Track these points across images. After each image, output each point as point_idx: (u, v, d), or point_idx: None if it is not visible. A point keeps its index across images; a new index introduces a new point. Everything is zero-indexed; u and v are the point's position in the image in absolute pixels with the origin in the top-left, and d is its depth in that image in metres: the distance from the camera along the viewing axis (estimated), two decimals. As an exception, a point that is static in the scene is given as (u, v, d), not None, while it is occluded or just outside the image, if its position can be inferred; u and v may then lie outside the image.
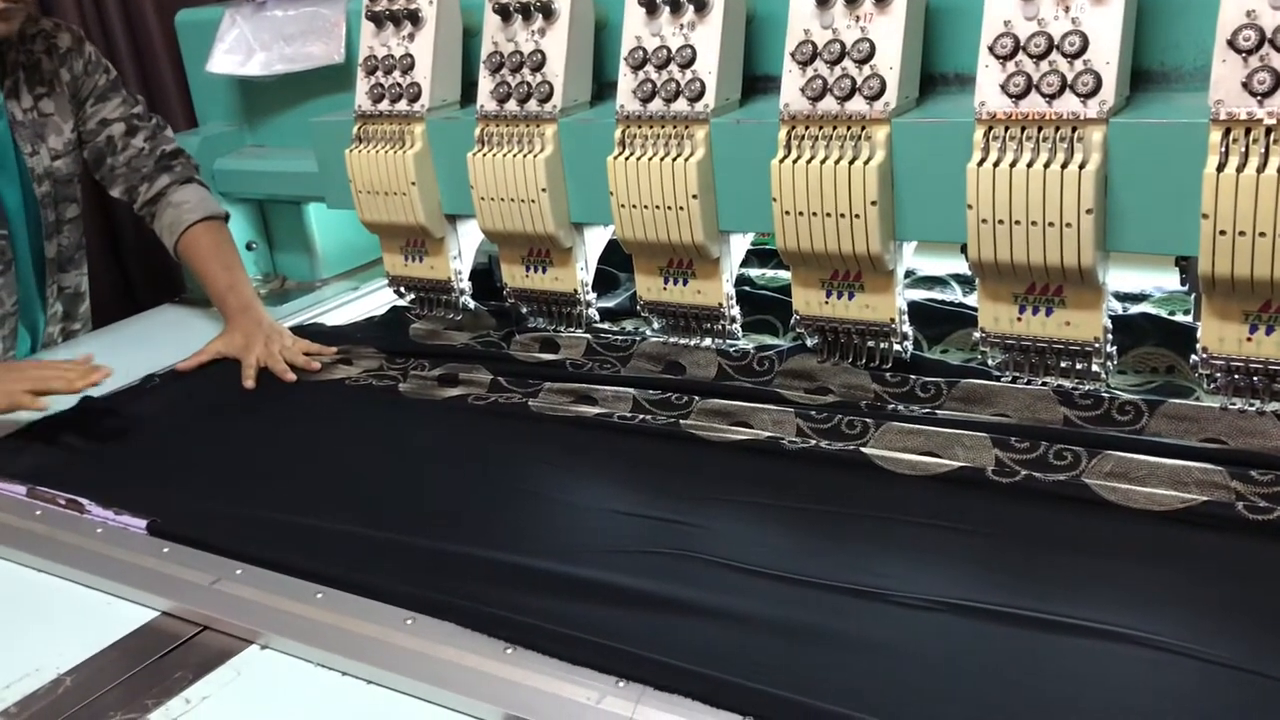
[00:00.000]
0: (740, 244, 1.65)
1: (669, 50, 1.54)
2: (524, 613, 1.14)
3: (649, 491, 1.40)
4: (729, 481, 1.39)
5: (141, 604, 1.28)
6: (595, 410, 1.60)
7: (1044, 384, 1.43)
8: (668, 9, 1.54)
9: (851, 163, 1.39)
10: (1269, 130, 1.17)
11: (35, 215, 2.01)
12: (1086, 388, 1.41)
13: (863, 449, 1.40)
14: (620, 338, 1.76)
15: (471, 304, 1.92)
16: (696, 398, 1.56)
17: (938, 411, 1.45)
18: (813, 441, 1.44)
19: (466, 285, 1.90)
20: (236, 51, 2.13)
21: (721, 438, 1.48)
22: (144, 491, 1.50)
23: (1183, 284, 1.40)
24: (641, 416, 1.56)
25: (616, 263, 1.89)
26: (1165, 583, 1.12)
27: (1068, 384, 1.42)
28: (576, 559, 1.24)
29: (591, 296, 1.79)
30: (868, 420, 1.44)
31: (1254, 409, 1.32)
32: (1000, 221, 1.32)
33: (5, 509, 1.51)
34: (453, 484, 1.46)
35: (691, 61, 1.52)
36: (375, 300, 2.20)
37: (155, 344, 2.05)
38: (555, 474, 1.47)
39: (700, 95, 1.52)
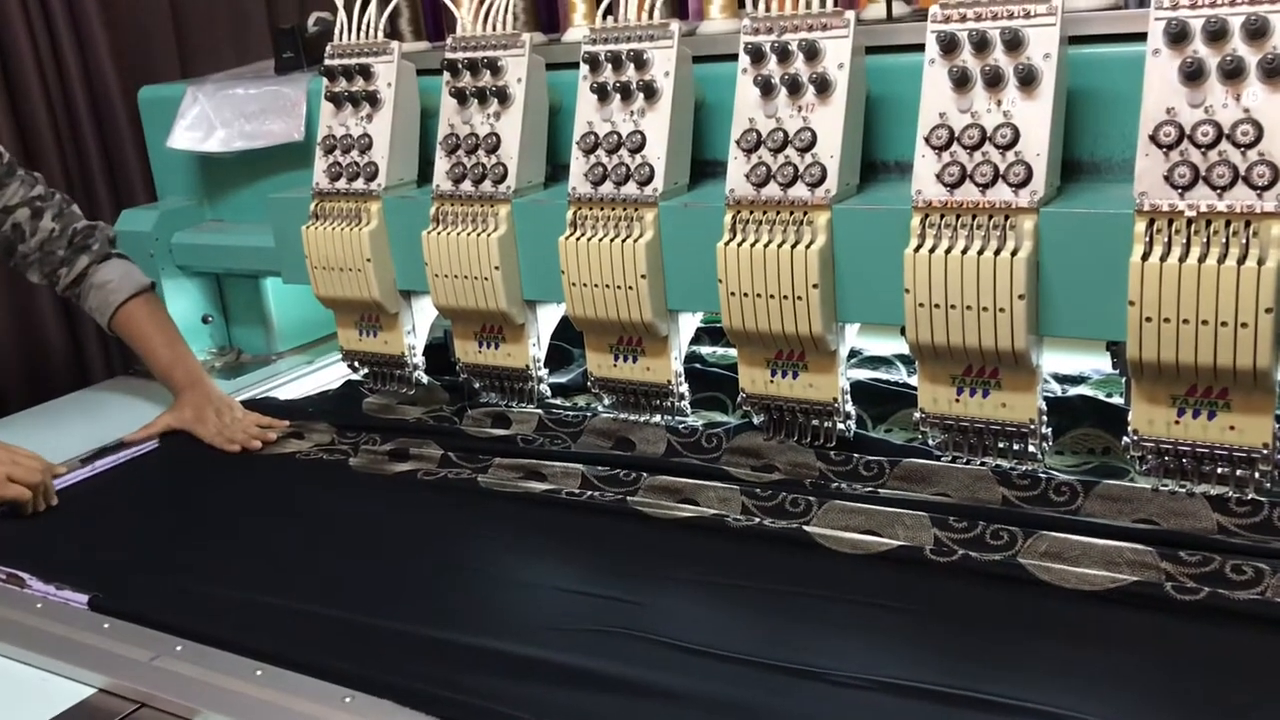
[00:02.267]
0: (689, 322, 1.68)
1: (620, 135, 1.58)
2: (463, 691, 1.14)
3: (594, 569, 1.41)
4: (673, 559, 1.40)
5: (79, 680, 1.26)
6: (544, 486, 1.61)
7: (983, 464, 1.46)
8: (619, 96, 1.58)
9: (794, 246, 1.43)
10: (1190, 221, 1.22)
11: None
12: (1025, 468, 1.44)
13: (805, 527, 1.42)
14: (571, 413, 1.78)
15: (425, 379, 1.93)
16: (644, 474, 1.58)
17: (880, 490, 1.48)
18: (757, 519, 1.46)
19: (420, 360, 1.92)
20: (198, 128, 2.16)
21: (668, 514, 1.50)
22: (86, 566, 1.50)
23: (1114, 367, 1.44)
24: (590, 493, 1.58)
25: (571, 338, 1.91)
26: (1095, 662, 1.14)
27: (1006, 464, 1.45)
28: (518, 637, 1.25)
29: (544, 372, 1.81)
30: (811, 499, 1.46)
31: (1184, 490, 1.35)
32: (937, 305, 1.36)
33: (-55, 583, 1.50)
34: (397, 561, 1.47)
35: (641, 146, 1.56)
36: (330, 374, 2.21)
37: (106, 418, 2.05)
38: (501, 551, 1.48)
39: (650, 179, 1.56)
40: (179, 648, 1.28)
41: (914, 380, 1.70)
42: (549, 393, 1.82)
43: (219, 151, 2.14)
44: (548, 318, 1.81)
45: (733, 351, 1.88)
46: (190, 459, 1.84)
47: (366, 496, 1.65)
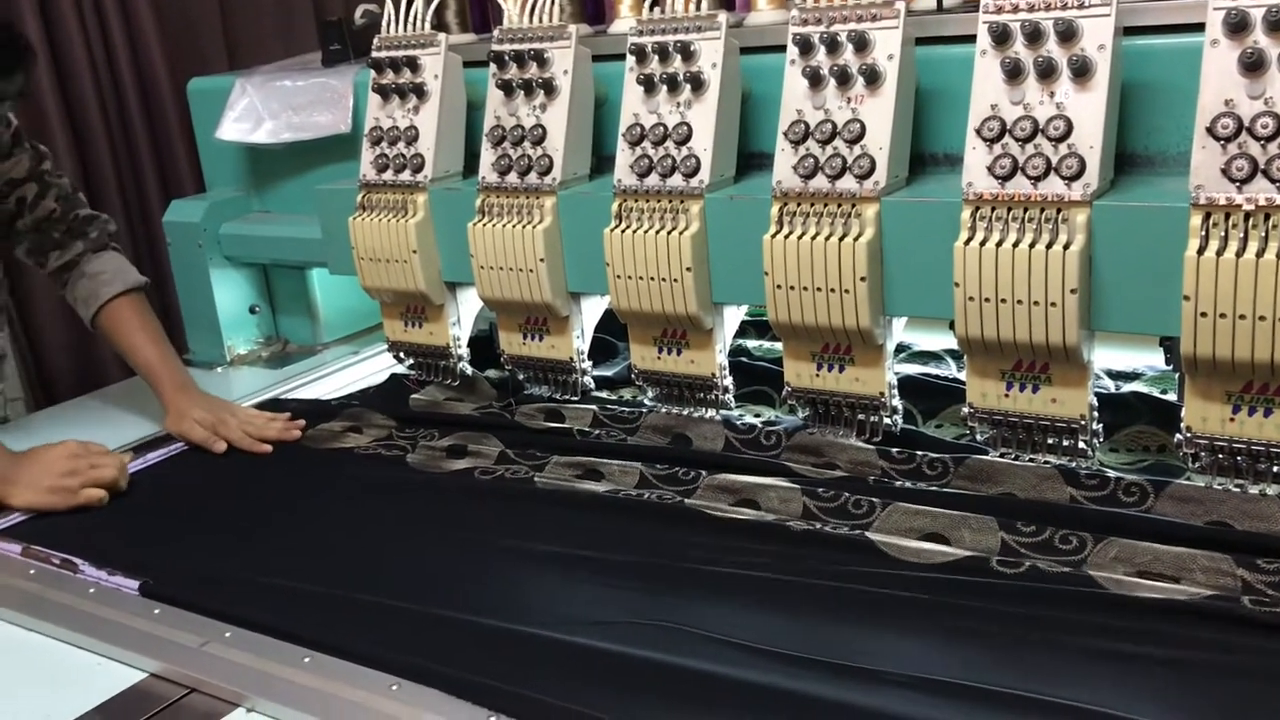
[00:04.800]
0: (734, 315, 1.67)
1: (666, 127, 1.57)
2: (511, 681, 1.14)
3: (647, 566, 1.39)
4: (730, 560, 1.38)
5: (130, 665, 1.28)
6: (601, 487, 1.60)
7: (1031, 459, 1.44)
8: (665, 88, 1.58)
9: (841, 239, 1.42)
10: (1248, 215, 1.20)
11: None
12: (1092, 467, 1.41)
13: (868, 533, 1.40)
14: (626, 409, 1.78)
15: (469, 370, 1.94)
16: (703, 472, 1.57)
17: (945, 489, 1.46)
18: (818, 525, 1.43)
19: (465, 351, 1.93)
20: (246, 119, 2.18)
21: (727, 516, 1.48)
22: (138, 553, 1.52)
23: (1168, 363, 1.42)
24: (648, 492, 1.57)
25: (614, 331, 1.91)
26: (1161, 675, 1.11)
27: (1055, 460, 1.43)
28: (567, 629, 1.25)
29: (587, 364, 1.81)
30: (874, 499, 1.44)
31: (1258, 491, 1.32)
32: (986, 299, 1.34)
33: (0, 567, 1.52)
34: (449, 553, 1.47)
35: (688, 138, 1.56)
36: (375, 364, 2.23)
37: (156, 407, 2.07)
38: (556, 547, 1.46)
39: (696, 171, 1.55)
40: (228, 634, 1.30)
41: (964, 375, 1.71)
42: (593, 385, 1.82)
43: (267, 143, 2.16)
44: (592, 310, 1.81)
45: (779, 345, 1.89)
46: (242, 450, 1.86)
47: (421, 492, 1.65)
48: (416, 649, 1.21)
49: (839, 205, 1.44)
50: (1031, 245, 1.30)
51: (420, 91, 1.81)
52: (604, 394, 1.88)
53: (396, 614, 1.30)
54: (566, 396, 1.83)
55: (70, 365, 2.68)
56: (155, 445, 1.87)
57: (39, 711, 1.21)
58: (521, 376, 1.87)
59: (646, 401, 1.76)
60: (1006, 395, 1.42)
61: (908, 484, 1.48)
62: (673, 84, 1.57)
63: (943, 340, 1.81)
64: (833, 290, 1.44)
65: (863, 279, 1.42)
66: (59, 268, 1.97)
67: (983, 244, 1.33)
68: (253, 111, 2.17)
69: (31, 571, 1.49)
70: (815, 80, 1.46)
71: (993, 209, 1.34)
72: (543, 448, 1.72)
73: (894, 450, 1.52)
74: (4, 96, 1.77)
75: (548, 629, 1.25)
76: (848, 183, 1.43)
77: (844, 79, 1.44)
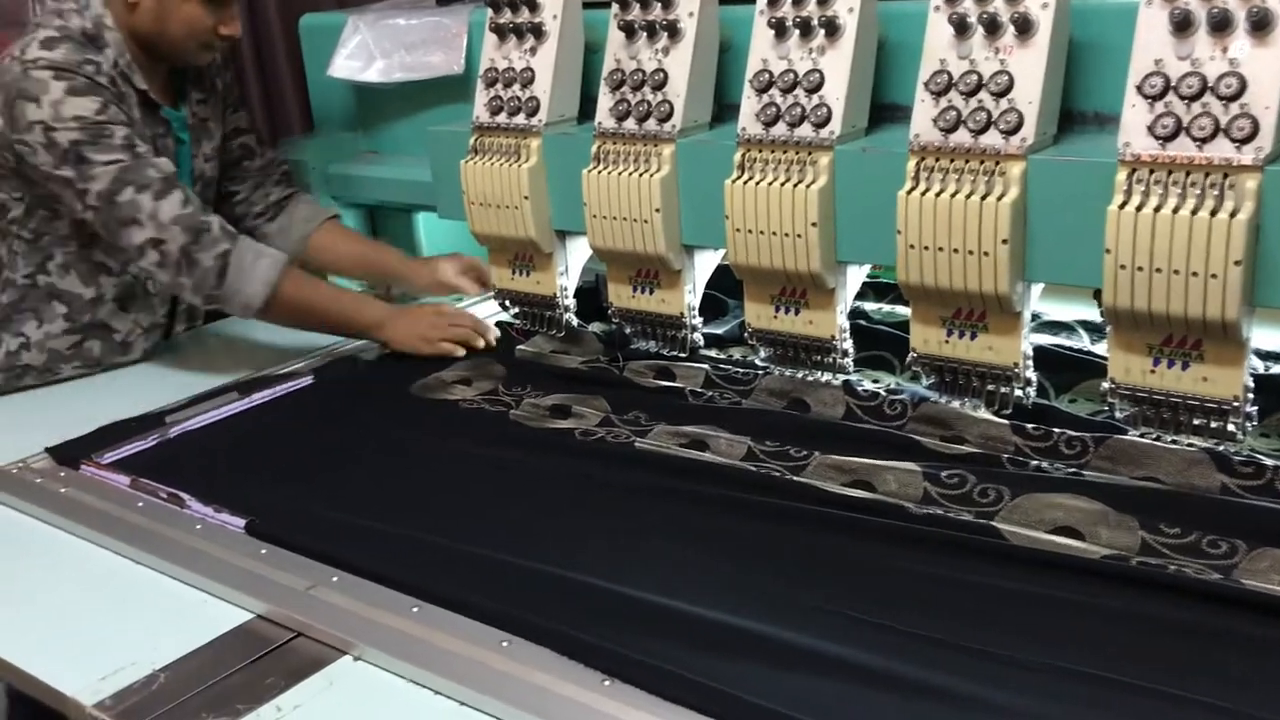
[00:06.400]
0: (857, 275, 1.60)
1: (796, 74, 1.50)
2: (624, 645, 1.10)
3: (755, 539, 1.33)
4: (844, 537, 1.31)
5: (237, 604, 1.27)
6: (707, 458, 1.53)
7: (1174, 441, 1.36)
8: (798, 32, 1.50)
9: (984, 198, 1.34)
10: None
11: None
12: (1242, 452, 1.32)
13: (993, 522, 1.30)
14: (740, 370, 1.72)
15: (575, 321, 1.90)
16: (816, 453, 1.48)
17: (1083, 471, 1.37)
18: (940, 509, 1.34)
19: (571, 302, 1.88)
20: (357, 57, 2.15)
21: (841, 497, 1.39)
22: (243, 489, 1.51)
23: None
24: (755, 465, 1.49)
25: (726, 288, 1.85)
26: None
27: (1201, 442, 1.34)
28: (679, 596, 1.20)
29: (698, 321, 1.75)
30: (1003, 488, 1.34)
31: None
32: (1140, 268, 1.25)
33: (108, 497, 1.52)
34: (558, 510, 1.43)
35: (819, 86, 1.48)
36: (479, 311, 2.19)
37: (262, 344, 2.07)
38: (661, 516, 1.40)
39: (826, 121, 1.48)
40: (335, 578, 1.28)
41: (1098, 348, 1.62)
42: (702, 342, 1.77)
43: (378, 82, 2.13)
44: (705, 264, 1.75)
45: (900, 309, 1.82)
46: (345, 395, 1.84)
47: (523, 448, 1.60)
48: (529, 605, 1.18)
49: (981, 162, 1.36)
50: (1194, 212, 1.21)
51: (538, 32, 1.76)
52: (713, 352, 1.82)
53: (508, 569, 1.27)
54: (674, 353, 1.78)
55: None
56: (262, 384, 1.86)
57: (148, 645, 1.20)
58: (628, 330, 1.82)
59: (758, 361, 1.70)
60: (1153, 371, 1.33)
61: (1043, 464, 1.40)
62: (806, 28, 1.49)
63: (1074, 310, 1.72)
64: (970, 252, 1.36)
65: (1004, 241, 1.34)
66: (274, 202, 2.15)
67: (1139, 209, 1.24)
68: (364, 50, 2.14)
69: (140, 504, 1.49)
70: (961, 28, 1.37)
71: (1151, 171, 1.25)
72: (650, 410, 1.66)
73: (1029, 426, 1.44)
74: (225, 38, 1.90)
75: (664, 596, 1.20)
76: (992, 138, 1.35)
77: (993, 28, 1.35)
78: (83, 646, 1.23)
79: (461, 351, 1.94)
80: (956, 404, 1.51)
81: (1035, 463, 1.41)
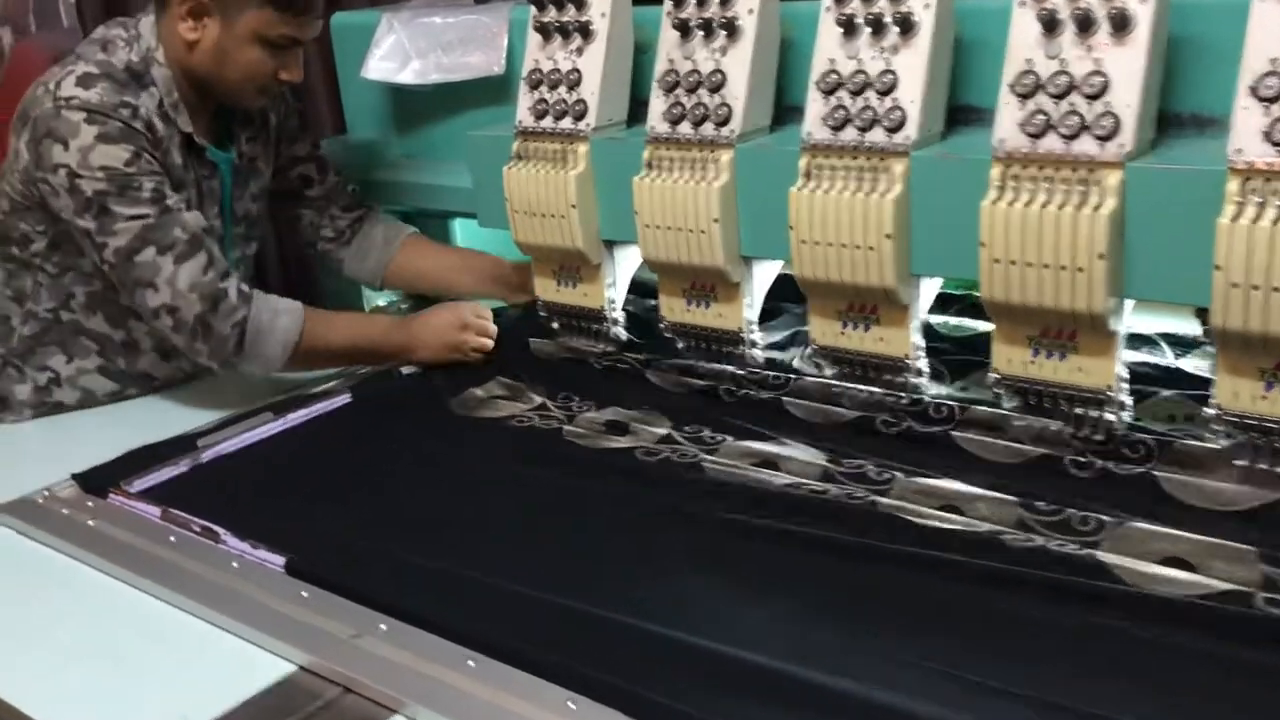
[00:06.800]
0: (930, 288, 1.50)
1: (867, 75, 1.40)
2: (690, 702, 1.01)
3: (835, 574, 1.24)
4: (932, 574, 1.22)
5: (278, 655, 1.18)
6: (782, 480, 1.45)
7: (1283, 469, 1.25)
8: (868, 30, 1.40)
9: (1079, 209, 1.24)
10: None
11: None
12: None
13: (1097, 553, 1.21)
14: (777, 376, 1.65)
15: (623, 335, 1.81)
16: (899, 474, 1.41)
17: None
18: (1040, 540, 1.25)
19: (620, 315, 1.79)
20: (392, 58, 2.06)
21: (928, 525, 1.31)
22: (280, 521, 1.42)
23: None
24: (834, 487, 1.41)
25: (772, 292, 1.75)
26: None
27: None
28: (763, 651, 1.10)
29: (757, 335, 1.65)
30: (1104, 518, 1.26)
31: None
32: (1255, 287, 1.15)
33: (138, 530, 1.44)
34: (624, 549, 1.34)
35: (892, 88, 1.38)
36: (517, 321, 2.11)
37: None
38: (736, 551, 1.31)
39: (901, 125, 1.38)
40: (383, 625, 1.19)
41: (1184, 364, 1.52)
42: (761, 358, 1.67)
43: (414, 84, 2.04)
44: (764, 276, 1.65)
45: (969, 322, 1.72)
46: (385, 415, 1.76)
47: (581, 471, 1.52)
48: (593, 659, 1.08)
49: (1074, 170, 1.26)
50: (1317, 225, 1.11)
51: (585, 31, 1.66)
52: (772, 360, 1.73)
53: (569, 615, 1.18)
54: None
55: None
56: (297, 404, 1.78)
57: (188, 698, 1.12)
58: (681, 345, 1.73)
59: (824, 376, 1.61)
60: (1264, 397, 1.23)
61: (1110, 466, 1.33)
62: (877, 26, 1.39)
63: (1154, 323, 1.61)
64: (1063, 267, 1.26)
65: (1100, 256, 1.23)
66: (351, 223, 2.08)
67: (1255, 221, 1.14)
68: (399, 50, 2.05)
69: (172, 539, 1.41)
70: (1050, 25, 1.27)
71: (1266, 180, 1.15)
72: (715, 426, 1.57)
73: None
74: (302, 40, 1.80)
75: (730, 645, 1.11)
76: (1086, 144, 1.25)
77: (1085, 24, 1.25)
78: (105, 696, 1.15)
79: (490, 345, 1.88)
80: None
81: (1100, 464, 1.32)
